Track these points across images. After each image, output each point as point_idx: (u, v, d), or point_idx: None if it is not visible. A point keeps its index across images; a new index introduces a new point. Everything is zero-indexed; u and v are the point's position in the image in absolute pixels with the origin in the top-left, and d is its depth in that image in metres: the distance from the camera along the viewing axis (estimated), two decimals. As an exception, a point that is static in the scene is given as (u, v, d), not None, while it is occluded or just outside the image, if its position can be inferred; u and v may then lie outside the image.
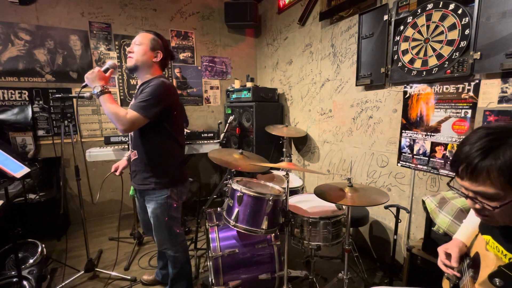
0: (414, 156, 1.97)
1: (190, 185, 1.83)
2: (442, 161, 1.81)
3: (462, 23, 1.62)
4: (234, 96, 3.48)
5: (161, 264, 2.03)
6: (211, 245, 1.77)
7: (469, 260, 0.92)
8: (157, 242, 1.72)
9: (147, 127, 1.49)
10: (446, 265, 0.94)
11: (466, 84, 1.65)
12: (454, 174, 0.77)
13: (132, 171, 1.67)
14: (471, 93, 1.63)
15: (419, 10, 1.84)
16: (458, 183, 0.76)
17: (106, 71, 1.51)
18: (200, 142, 2.95)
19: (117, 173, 1.77)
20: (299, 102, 3.21)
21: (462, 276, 0.91)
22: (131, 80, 3.33)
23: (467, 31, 1.60)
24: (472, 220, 1.01)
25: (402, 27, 1.95)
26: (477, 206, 0.73)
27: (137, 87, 1.63)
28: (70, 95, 2.18)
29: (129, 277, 2.13)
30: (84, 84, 1.52)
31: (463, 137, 1.68)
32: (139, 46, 1.53)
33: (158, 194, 1.59)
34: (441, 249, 0.99)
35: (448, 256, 0.96)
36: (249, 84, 3.34)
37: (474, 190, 0.71)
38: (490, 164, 0.66)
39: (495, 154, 0.65)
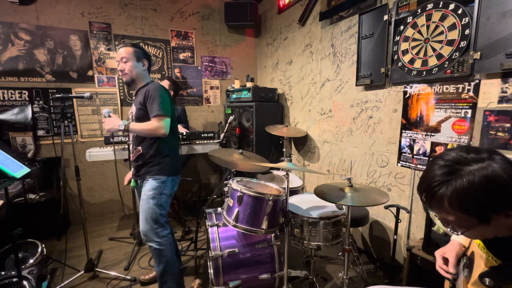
0: (414, 156, 1.97)
1: (189, 185, 1.89)
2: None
3: (462, 23, 1.62)
4: (234, 96, 3.47)
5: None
6: (211, 245, 1.77)
7: (466, 259, 0.92)
8: (142, 232, 1.73)
9: None
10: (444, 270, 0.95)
11: (466, 84, 1.65)
12: None
13: (136, 165, 1.82)
14: (471, 93, 1.63)
15: (419, 10, 1.84)
16: None
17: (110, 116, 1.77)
18: (200, 142, 2.95)
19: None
20: (299, 102, 3.21)
21: (458, 276, 0.92)
22: (131, 80, 3.33)
23: (467, 31, 1.60)
24: None
25: (402, 27, 1.95)
26: (448, 228, 0.77)
27: (134, 93, 1.89)
28: (70, 95, 2.18)
29: (129, 277, 2.13)
30: (109, 135, 1.83)
31: (464, 136, 1.68)
32: (128, 63, 1.74)
33: (155, 177, 1.75)
34: (438, 254, 0.99)
35: (446, 260, 0.96)
36: (249, 84, 3.34)
37: (439, 217, 0.75)
38: (443, 193, 0.69)
39: (448, 184, 0.69)
